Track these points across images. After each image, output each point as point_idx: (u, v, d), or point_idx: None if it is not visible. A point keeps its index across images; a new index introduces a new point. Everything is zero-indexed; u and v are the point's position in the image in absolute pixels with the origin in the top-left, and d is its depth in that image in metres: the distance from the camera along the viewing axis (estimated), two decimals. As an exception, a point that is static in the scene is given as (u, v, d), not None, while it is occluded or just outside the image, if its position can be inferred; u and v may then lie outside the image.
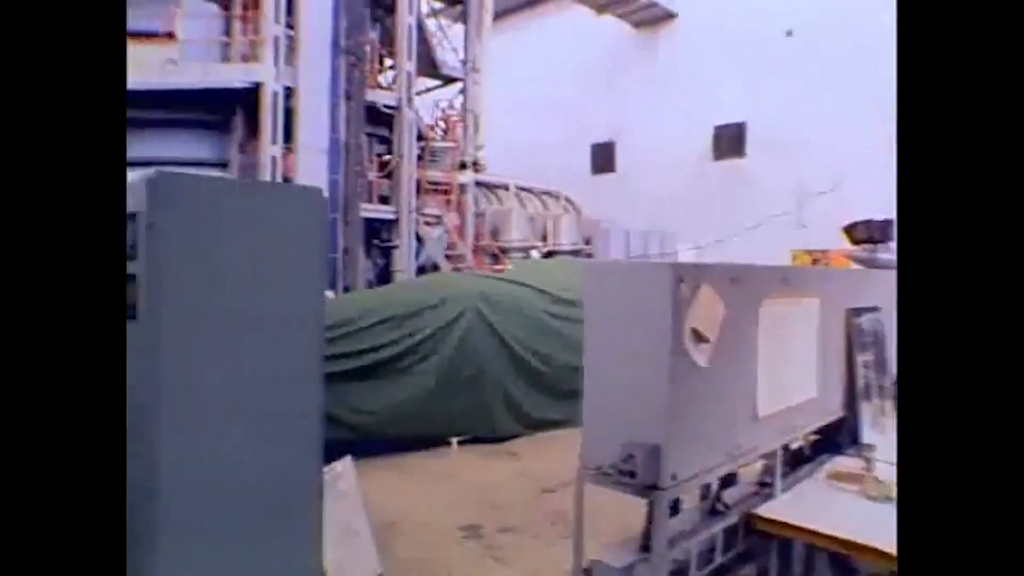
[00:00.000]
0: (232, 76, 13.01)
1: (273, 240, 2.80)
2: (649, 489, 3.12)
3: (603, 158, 26.63)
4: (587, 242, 19.15)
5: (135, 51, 13.56)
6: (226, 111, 13.37)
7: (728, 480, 3.61)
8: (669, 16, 24.89)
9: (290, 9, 13.17)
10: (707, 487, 3.84)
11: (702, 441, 3.22)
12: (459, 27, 18.18)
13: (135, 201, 2.65)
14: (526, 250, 17.31)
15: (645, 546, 3.22)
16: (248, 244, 2.74)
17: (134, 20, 13.74)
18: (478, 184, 17.25)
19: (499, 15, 22.19)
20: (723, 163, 23.11)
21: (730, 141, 22.84)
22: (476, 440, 7.79)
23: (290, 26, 13.15)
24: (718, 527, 3.27)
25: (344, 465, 4.42)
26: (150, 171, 2.55)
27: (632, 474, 3.04)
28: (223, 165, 13.22)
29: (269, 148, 12.37)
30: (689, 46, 23.86)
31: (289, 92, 12.82)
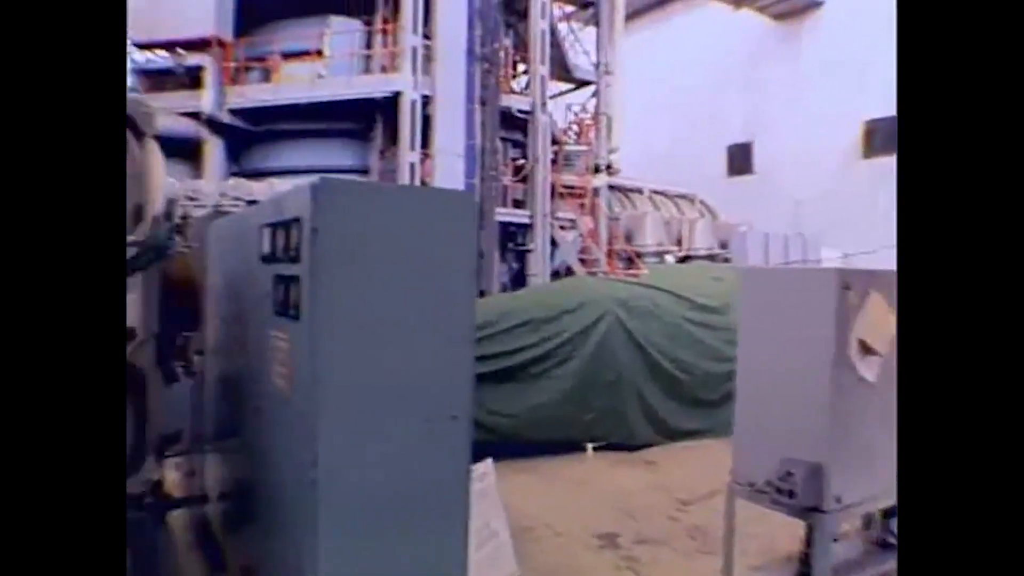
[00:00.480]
0: (373, 86, 13.62)
1: (426, 243, 2.85)
2: (810, 511, 2.91)
3: (740, 159, 25.65)
4: (723, 246, 18.48)
5: (289, 69, 14.57)
6: (367, 120, 14.02)
7: (892, 510, 3.32)
8: (814, 5, 23.59)
9: (427, 20, 13.60)
10: (869, 515, 3.55)
11: (871, 463, 2.97)
12: (591, 30, 18.08)
13: (299, 207, 2.77)
14: (660, 254, 16.95)
15: (804, 573, 3.01)
16: (403, 247, 2.80)
17: (289, 42, 14.82)
18: (612, 188, 17.08)
19: (631, 15, 21.89)
20: (874, 161, 21.60)
21: (884, 137, 21.29)
22: (611, 447, 7.67)
23: (427, 36, 13.59)
24: (892, 564, 3.00)
25: (485, 467, 4.45)
26: (314, 178, 2.65)
27: (791, 493, 2.85)
28: (364, 171, 13.86)
29: (407, 154, 12.82)
30: (836, 36, 22.48)
31: (426, 100, 13.23)
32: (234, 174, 13.89)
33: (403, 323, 2.81)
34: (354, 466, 2.77)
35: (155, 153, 3.51)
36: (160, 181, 3.48)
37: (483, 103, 13.41)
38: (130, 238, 3.20)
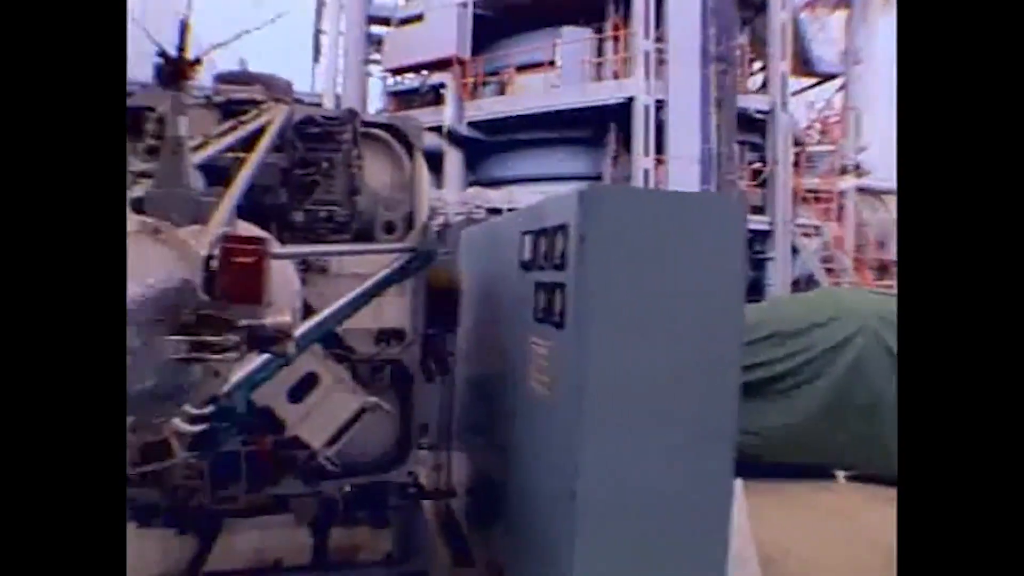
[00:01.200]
0: (605, 93, 13.65)
1: (694, 250, 2.71)
2: None
3: None
4: (1000, 254, 16.04)
5: (523, 80, 15.12)
6: (599, 127, 14.08)
7: None
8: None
9: (658, 23, 13.36)
10: None
11: None
12: (839, 15, 16.62)
13: (564, 214, 2.76)
14: (919, 263, 15.10)
15: None
16: (670, 254, 2.69)
17: (522, 55, 15.40)
18: (861, 190, 15.57)
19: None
20: None
21: None
22: (866, 477, 6.91)
23: (659, 39, 13.35)
24: None
25: (735, 488, 4.17)
26: (582, 185, 2.62)
27: None
28: (597, 178, 13.92)
29: (641, 160, 12.67)
30: None
31: (659, 104, 12.99)
32: (472, 183, 14.67)
33: (669, 334, 2.69)
34: (614, 479, 2.70)
35: (422, 166, 3.72)
36: (426, 191, 3.67)
37: (719, 105, 12.87)
38: (402, 244, 3.40)
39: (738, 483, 4.33)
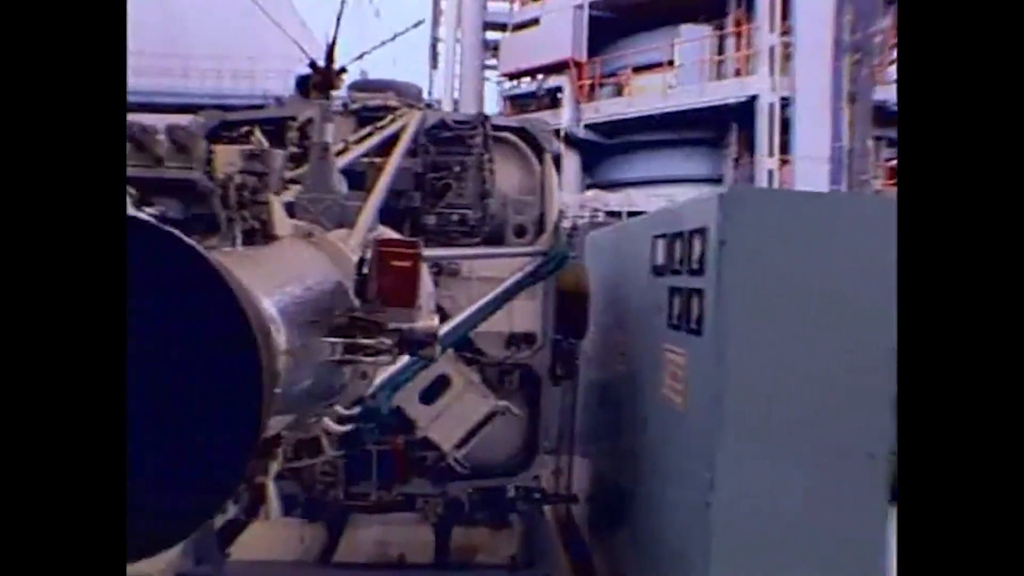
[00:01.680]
0: (726, 92, 13.23)
1: (842, 256, 2.54)
2: None
3: None
4: None
5: (640, 81, 14.90)
6: (720, 127, 13.65)
7: None
8: None
9: (785, 14, 12.77)
10: None
11: None
12: None
13: (703, 217, 2.66)
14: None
15: None
16: (816, 260, 2.53)
17: (639, 55, 15.17)
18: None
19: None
20: None
21: None
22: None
23: (785, 32, 12.77)
24: None
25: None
26: (721, 188, 2.52)
27: None
28: (717, 181, 13.50)
29: (765, 161, 12.17)
30: None
31: (785, 101, 12.43)
32: (589, 186, 14.59)
33: (815, 344, 2.54)
34: (754, 494, 2.57)
35: (552, 168, 3.70)
36: (556, 194, 3.65)
37: (852, 99, 12.14)
38: (534, 248, 3.40)
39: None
